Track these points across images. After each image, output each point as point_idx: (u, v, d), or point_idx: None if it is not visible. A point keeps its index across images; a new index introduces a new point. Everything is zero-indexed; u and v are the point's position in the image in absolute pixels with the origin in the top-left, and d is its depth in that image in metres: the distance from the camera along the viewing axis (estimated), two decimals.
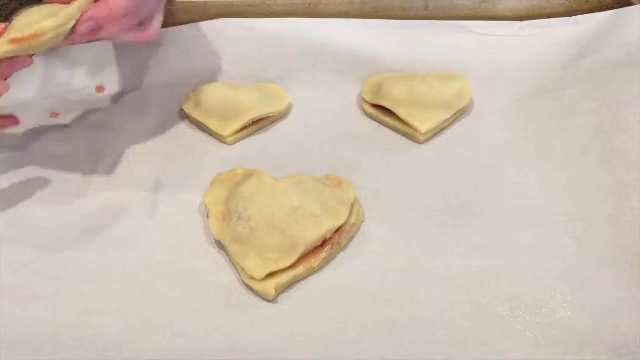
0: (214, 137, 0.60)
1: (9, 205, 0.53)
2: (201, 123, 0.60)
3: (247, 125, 0.59)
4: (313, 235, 0.46)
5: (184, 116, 0.62)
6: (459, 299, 0.45)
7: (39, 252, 0.49)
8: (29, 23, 0.44)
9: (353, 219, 0.49)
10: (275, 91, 0.62)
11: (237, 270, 0.47)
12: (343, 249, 0.49)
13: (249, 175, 0.52)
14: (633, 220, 0.48)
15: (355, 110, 0.61)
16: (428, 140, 0.57)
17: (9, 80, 0.47)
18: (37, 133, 0.61)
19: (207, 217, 0.50)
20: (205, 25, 0.65)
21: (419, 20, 0.64)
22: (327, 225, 0.47)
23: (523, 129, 0.57)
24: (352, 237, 0.50)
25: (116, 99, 0.65)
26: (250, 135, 0.60)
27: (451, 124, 0.59)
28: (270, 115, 0.60)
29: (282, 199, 0.48)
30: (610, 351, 0.40)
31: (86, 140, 0.60)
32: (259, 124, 0.60)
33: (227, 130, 0.58)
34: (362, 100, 0.61)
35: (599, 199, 0.50)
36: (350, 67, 0.64)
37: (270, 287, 0.45)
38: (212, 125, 0.59)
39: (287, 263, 0.46)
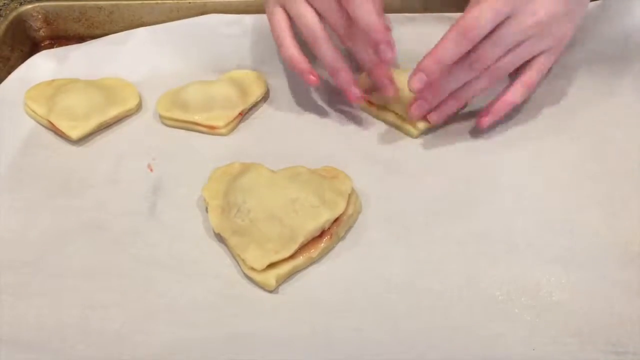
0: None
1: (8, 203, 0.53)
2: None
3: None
4: (312, 225, 0.47)
5: None
6: (457, 284, 0.45)
7: (40, 250, 0.49)
8: None
9: (350, 210, 0.50)
10: (122, 87, 0.62)
11: (237, 262, 0.48)
12: (341, 239, 0.50)
13: (246, 168, 0.52)
14: (623, 206, 0.50)
15: (349, 104, 0.61)
16: (421, 133, 0.58)
17: None
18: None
19: (206, 210, 0.51)
20: (189, 21, 0.66)
21: (405, 14, 0.65)
22: (325, 216, 0.47)
23: (513, 120, 0.58)
24: (350, 228, 0.50)
25: None
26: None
27: None
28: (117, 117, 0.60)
29: (280, 191, 0.48)
30: (607, 331, 0.41)
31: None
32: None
33: (74, 132, 0.57)
34: None
35: (591, 186, 0.51)
36: None
37: (270, 277, 0.46)
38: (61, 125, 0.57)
39: (287, 253, 0.46)
